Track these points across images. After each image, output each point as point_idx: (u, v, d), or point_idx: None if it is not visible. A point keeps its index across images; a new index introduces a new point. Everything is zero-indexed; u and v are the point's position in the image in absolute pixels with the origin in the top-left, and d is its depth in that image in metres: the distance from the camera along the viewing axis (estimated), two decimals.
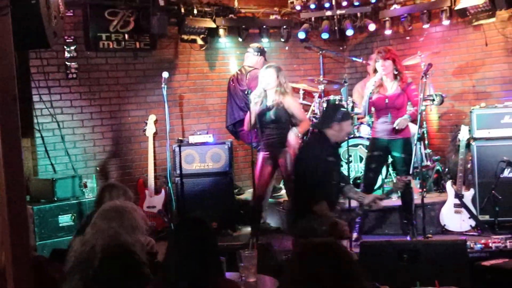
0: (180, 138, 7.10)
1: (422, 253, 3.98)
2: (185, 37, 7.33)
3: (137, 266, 2.72)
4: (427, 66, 5.83)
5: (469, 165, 6.21)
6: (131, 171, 7.11)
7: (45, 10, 3.42)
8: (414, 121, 5.75)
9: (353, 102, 6.93)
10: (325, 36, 7.89)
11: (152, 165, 6.87)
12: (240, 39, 7.76)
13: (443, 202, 6.17)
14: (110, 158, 7.00)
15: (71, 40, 6.67)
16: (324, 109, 6.72)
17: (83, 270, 2.77)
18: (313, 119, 6.93)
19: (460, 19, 6.99)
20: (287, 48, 8.19)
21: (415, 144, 5.65)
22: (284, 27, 7.93)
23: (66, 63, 6.66)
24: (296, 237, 4.62)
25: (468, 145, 6.17)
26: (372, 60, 5.99)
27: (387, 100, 5.73)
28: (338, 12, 7.80)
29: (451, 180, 6.22)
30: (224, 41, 7.76)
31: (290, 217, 5.42)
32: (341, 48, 8.58)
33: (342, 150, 6.07)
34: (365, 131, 6.77)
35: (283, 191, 6.89)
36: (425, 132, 7.02)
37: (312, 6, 7.85)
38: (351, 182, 5.57)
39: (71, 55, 6.68)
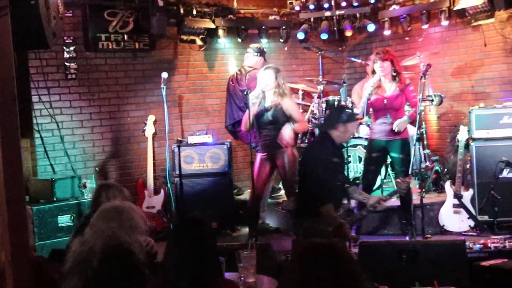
0: (179, 139, 7.09)
1: (421, 253, 3.99)
2: (184, 37, 7.33)
3: (136, 266, 2.72)
4: (426, 67, 5.83)
5: (468, 166, 6.22)
6: (130, 171, 7.10)
7: (44, 11, 3.42)
8: (413, 122, 5.76)
9: (352, 103, 6.92)
10: (324, 36, 7.88)
11: (151, 166, 6.86)
12: (239, 40, 7.75)
13: (442, 203, 6.16)
14: (109, 158, 6.99)
15: (71, 41, 6.67)
16: (329, 110, 6.69)
17: (82, 271, 2.76)
18: (312, 119, 6.93)
19: (459, 20, 7.00)
20: (286, 48, 8.19)
21: (414, 145, 5.66)
22: (283, 27, 7.92)
23: (66, 63, 6.66)
24: (301, 237, 4.63)
25: (467, 146, 6.17)
26: (371, 61, 6.00)
27: (385, 101, 5.74)
28: (337, 12, 7.78)
29: (450, 181, 6.22)
30: (223, 42, 7.75)
31: (294, 217, 5.41)
32: (340, 48, 8.58)
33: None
34: (364, 131, 6.76)
35: (282, 192, 6.88)
36: (424, 132, 7.02)
37: (311, 6, 7.84)
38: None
39: (71, 55, 6.68)
